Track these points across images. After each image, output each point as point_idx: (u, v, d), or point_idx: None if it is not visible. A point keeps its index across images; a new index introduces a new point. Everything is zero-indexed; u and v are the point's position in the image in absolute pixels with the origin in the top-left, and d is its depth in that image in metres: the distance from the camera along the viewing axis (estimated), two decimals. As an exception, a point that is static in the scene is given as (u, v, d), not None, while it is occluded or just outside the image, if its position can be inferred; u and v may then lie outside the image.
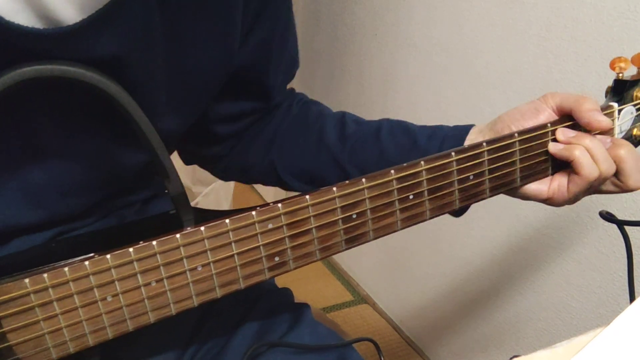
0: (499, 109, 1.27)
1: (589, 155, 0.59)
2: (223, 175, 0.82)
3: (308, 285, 2.02)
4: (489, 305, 1.47)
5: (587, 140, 0.60)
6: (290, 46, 0.72)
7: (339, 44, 1.85)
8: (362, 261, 2.01)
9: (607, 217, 0.67)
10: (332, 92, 1.95)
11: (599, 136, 0.61)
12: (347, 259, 2.09)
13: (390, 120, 0.72)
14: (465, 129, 0.66)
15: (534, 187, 0.64)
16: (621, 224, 0.67)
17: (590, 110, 0.60)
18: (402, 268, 1.79)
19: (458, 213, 0.68)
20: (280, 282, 0.72)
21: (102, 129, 0.55)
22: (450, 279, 1.60)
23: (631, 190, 0.63)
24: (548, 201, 0.64)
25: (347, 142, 0.70)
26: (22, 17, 0.43)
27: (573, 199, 0.63)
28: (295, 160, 0.73)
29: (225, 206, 1.96)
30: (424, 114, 1.55)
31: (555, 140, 0.62)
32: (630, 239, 0.67)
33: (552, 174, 0.64)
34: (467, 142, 0.64)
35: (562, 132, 0.62)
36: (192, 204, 0.93)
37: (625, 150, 0.61)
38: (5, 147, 0.51)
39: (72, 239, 0.61)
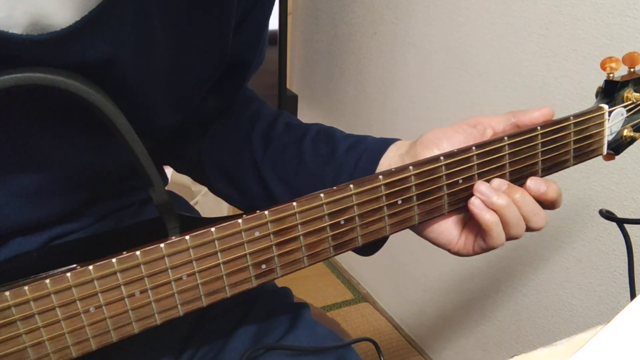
0: (498, 107, 1.28)
1: (501, 221, 0.56)
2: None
3: (308, 284, 2.02)
4: (489, 304, 1.47)
5: (502, 201, 0.56)
6: (265, 47, 0.72)
7: (338, 43, 1.85)
8: (362, 260, 2.01)
9: (607, 215, 0.67)
10: (331, 90, 1.95)
11: (496, 180, 0.58)
12: (347, 257, 2.09)
13: (319, 126, 0.70)
14: (386, 143, 0.65)
15: (444, 238, 0.60)
16: (621, 222, 0.67)
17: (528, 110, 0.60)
18: (402, 266, 1.79)
19: (369, 252, 0.64)
20: (280, 281, 0.71)
21: (90, 131, 0.55)
22: (450, 277, 1.59)
23: (534, 231, 0.59)
24: (455, 254, 0.62)
25: (269, 146, 0.69)
26: (15, 25, 0.42)
27: (477, 254, 0.60)
28: (220, 156, 0.72)
29: (225, 205, 1.96)
30: (423, 112, 1.54)
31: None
32: (631, 237, 0.67)
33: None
34: (384, 158, 0.63)
35: (478, 186, 0.57)
36: (192, 203, 0.92)
37: (520, 195, 0.57)
38: None
39: (63, 245, 0.60)
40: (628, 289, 0.67)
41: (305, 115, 2.09)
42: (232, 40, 0.62)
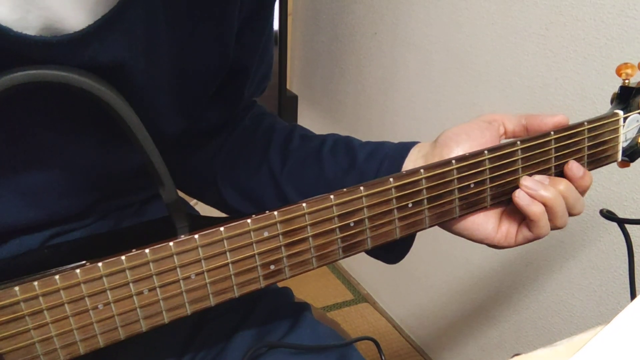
0: (498, 108, 1.28)
1: (548, 212, 0.58)
2: None
3: (308, 284, 2.02)
4: (489, 304, 1.47)
5: (550, 193, 0.57)
6: (269, 57, 0.72)
7: (338, 44, 1.85)
8: (362, 260, 2.00)
9: (608, 215, 0.67)
10: (331, 91, 1.95)
11: (537, 176, 0.59)
12: (347, 258, 2.09)
13: (336, 137, 0.70)
14: (406, 147, 0.64)
15: (481, 232, 0.61)
16: (622, 222, 0.67)
17: (540, 115, 0.60)
18: (403, 267, 1.78)
19: (395, 258, 0.66)
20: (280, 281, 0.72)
21: (99, 131, 0.55)
22: (450, 277, 1.59)
23: (574, 216, 0.61)
24: (493, 247, 0.62)
25: (288, 160, 0.69)
26: (29, 27, 0.43)
27: (518, 245, 0.62)
28: (237, 174, 0.71)
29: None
30: (423, 113, 1.54)
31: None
32: (631, 237, 0.67)
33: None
34: (407, 161, 0.63)
35: (524, 181, 0.58)
36: (192, 203, 0.92)
37: (565, 186, 0.59)
38: (4, 149, 0.51)
39: (66, 244, 0.60)
40: (628, 289, 0.67)
41: (306, 116, 2.09)
42: (233, 46, 0.63)
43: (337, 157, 0.66)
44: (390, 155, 0.64)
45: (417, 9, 1.49)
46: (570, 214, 0.60)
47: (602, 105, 1.06)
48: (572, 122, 0.61)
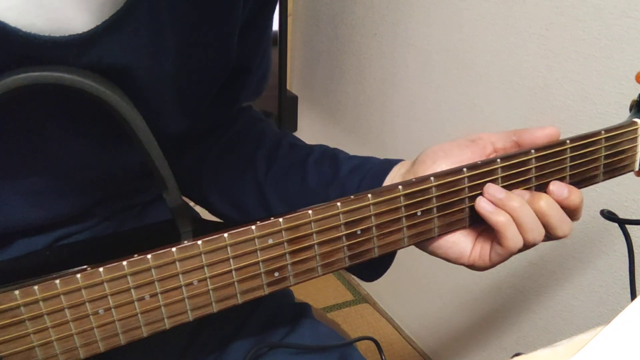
0: (498, 109, 1.28)
1: (515, 223, 0.53)
2: None
3: (308, 284, 2.00)
4: (489, 304, 1.47)
5: (515, 202, 0.53)
6: (267, 58, 0.72)
7: (338, 44, 1.85)
8: (362, 260, 2.01)
9: (609, 216, 0.66)
10: (331, 91, 1.95)
11: (516, 191, 0.55)
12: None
13: (324, 148, 0.70)
14: (390, 164, 0.63)
15: (455, 251, 0.58)
16: (622, 223, 0.67)
17: (531, 129, 0.58)
18: (403, 267, 1.78)
19: (374, 275, 0.65)
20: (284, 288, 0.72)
21: (103, 132, 0.55)
22: (450, 278, 1.59)
23: (559, 239, 0.57)
24: (470, 267, 0.59)
25: (273, 165, 0.68)
26: (37, 27, 0.43)
27: (494, 265, 0.58)
28: (222, 178, 0.71)
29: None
30: (423, 113, 1.54)
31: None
32: (632, 238, 0.66)
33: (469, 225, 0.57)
34: (388, 179, 0.62)
35: (488, 189, 0.55)
36: (192, 204, 0.92)
37: (545, 202, 0.54)
38: (7, 150, 0.52)
39: (68, 247, 0.61)
40: (629, 290, 0.67)
41: (306, 116, 2.09)
42: (236, 46, 0.63)
43: (321, 168, 0.66)
44: (373, 171, 0.63)
45: (417, 10, 1.49)
46: (555, 236, 0.56)
47: (602, 106, 1.05)
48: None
